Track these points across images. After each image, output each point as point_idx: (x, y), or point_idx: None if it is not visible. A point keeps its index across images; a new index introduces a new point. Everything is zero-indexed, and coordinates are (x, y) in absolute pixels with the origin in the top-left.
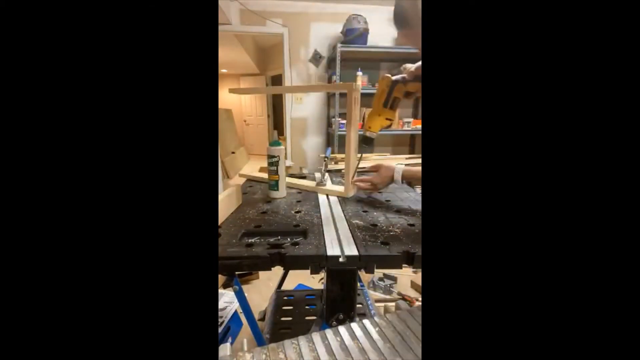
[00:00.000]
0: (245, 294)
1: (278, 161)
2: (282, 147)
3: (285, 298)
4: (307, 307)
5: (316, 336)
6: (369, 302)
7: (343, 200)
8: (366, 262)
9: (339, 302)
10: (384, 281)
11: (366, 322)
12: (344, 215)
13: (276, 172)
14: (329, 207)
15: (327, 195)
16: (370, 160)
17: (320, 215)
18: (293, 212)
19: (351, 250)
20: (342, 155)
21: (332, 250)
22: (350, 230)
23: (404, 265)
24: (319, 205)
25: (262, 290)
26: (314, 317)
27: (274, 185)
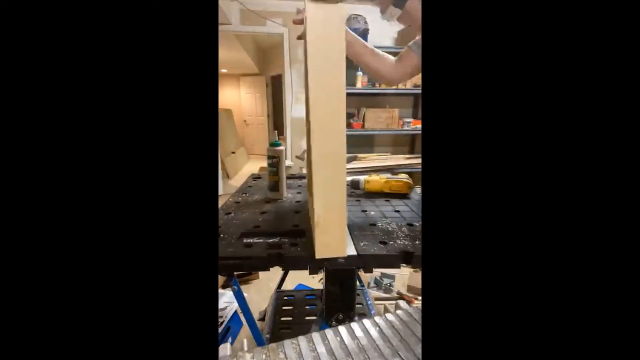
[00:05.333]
0: (246, 294)
1: (278, 162)
2: (282, 147)
3: (285, 298)
4: (307, 307)
5: (316, 336)
6: (369, 302)
7: None
8: (365, 261)
9: (338, 302)
10: (382, 280)
11: (366, 322)
12: None
13: (276, 173)
14: None
15: None
16: (371, 160)
17: None
18: (292, 212)
19: (350, 249)
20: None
21: None
22: (349, 229)
23: (402, 265)
24: None
25: (262, 290)
26: (314, 317)
27: (274, 186)
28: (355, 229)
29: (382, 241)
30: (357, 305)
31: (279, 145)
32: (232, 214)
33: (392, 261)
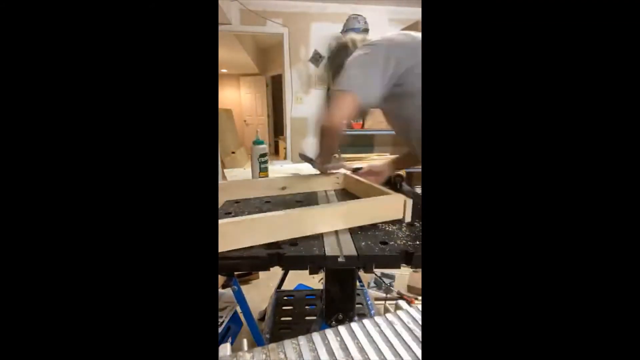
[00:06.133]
0: (246, 294)
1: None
2: (264, 145)
3: (285, 298)
4: (307, 307)
5: (316, 336)
6: (369, 302)
7: (344, 200)
8: (365, 261)
9: (338, 302)
10: (382, 280)
11: (366, 322)
12: None
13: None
14: None
15: (327, 195)
16: (369, 160)
17: None
18: None
19: (350, 249)
20: (344, 156)
21: (331, 250)
22: (349, 229)
23: (402, 265)
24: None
25: (262, 290)
26: (314, 317)
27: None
28: (356, 229)
29: (383, 241)
30: (357, 305)
31: (260, 143)
32: (232, 214)
33: (392, 261)
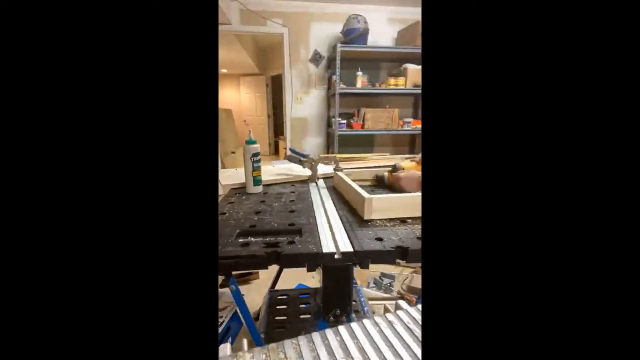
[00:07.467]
0: (246, 294)
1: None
2: (255, 145)
3: (280, 297)
4: (301, 305)
5: (316, 336)
6: (362, 299)
7: (337, 198)
8: (361, 257)
9: (336, 298)
10: (382, 280)
11: (366, 322)
12: (338, 213)
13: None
14: (322, 206)
15: (320, 194)
16: (372, 160)
17: (315, 214)
18: (287, 211)
19: (346, 246)
20: (344, 156)
21: (327, 247)
22: (344, 226)
23: (400, 262)
24: (312, 204)
25: (262, 290)
26: (309, 316)
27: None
28: (351, 226)
29: (378, 238)
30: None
31: (253, 143)
32: (227, 214)
33: (388, 257)
